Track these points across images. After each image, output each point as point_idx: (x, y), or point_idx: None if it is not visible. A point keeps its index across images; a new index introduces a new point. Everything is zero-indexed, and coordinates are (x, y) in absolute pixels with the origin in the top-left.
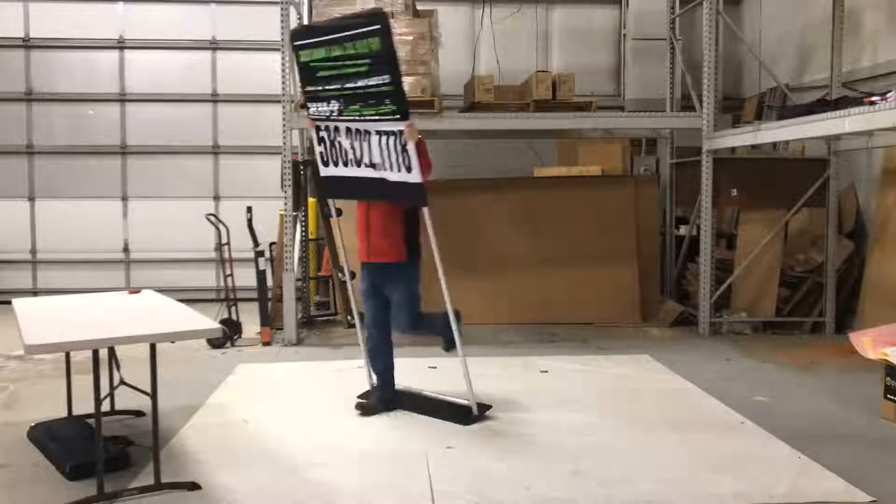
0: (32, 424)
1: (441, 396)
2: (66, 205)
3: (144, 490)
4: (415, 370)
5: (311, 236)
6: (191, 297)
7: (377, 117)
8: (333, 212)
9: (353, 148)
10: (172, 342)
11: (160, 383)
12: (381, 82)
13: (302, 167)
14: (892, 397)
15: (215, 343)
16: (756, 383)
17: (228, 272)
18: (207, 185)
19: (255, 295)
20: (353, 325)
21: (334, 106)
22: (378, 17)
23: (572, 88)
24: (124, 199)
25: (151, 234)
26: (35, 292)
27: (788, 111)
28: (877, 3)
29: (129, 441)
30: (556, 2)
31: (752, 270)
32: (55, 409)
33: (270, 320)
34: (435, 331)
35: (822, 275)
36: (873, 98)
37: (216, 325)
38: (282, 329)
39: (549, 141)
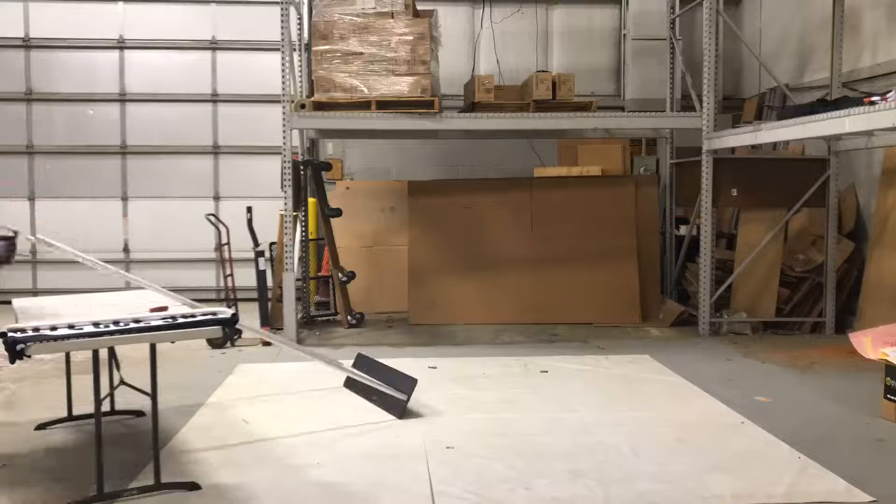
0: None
1: (382, 386)
2: (67, 205)
3: (144, 490)
4: (415, 370)
5: (311, 236)
6: (191, 298)
7: None
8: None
9: None
10: (172, 342)
11: (160, 383)
12: None
13: (302, 167)
14: (892, 397)
15: (215, 343)
16: (756, 383)
17: (228, 272)
18: (207, 185)
19: (255, 295)
20: (354, 325)
21: None
22: None
23: (572, 88)
24: (124, 199)
25: (151, 234)
26: (35, 292)
27: (788, 111)
28: (877, 3)
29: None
30: (556, 2)
31: (752, 270)
32: (55, 409)
33: (270, 320)
34: None
35: (822, 275)
36: (873, 98)
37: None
38: (282, 329)
39: (549, 141)
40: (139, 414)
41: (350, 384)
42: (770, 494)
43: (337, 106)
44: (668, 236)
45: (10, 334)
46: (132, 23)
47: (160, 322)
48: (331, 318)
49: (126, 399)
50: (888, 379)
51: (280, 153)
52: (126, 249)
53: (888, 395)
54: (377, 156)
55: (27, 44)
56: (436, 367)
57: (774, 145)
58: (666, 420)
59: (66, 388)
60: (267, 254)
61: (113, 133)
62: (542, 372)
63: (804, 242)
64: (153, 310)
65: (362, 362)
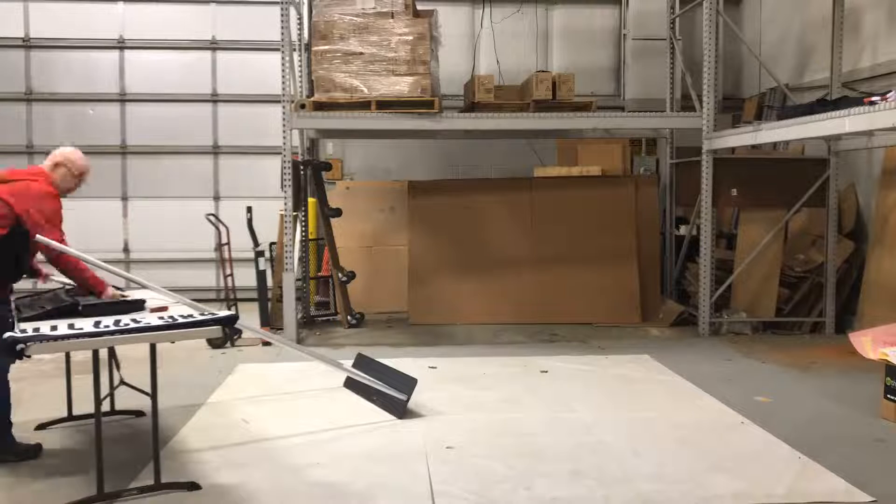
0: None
1: (382, 387)
2: (67, 205)
3: (144, 490)
4: (415, 370)
5: (311, 236)
6: (191, 298)
7: None
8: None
9: None
10: (172, 342)
11: (160, 383)
12: None
13: (302, 167)
14: (892, 397)
15: (215, 343)
16: (756, 383)
17: (228, 272)
18: (207, 185)
19: (255, 295)
20: (354, 325)
21: None
22: None
23: (572, 88)
24: (124, 199)
25: (151, 234)
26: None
27: (788, 111)
28: (877, 3)
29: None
30: (556, 2)
31: (752, 270)
32: (55, 410)
33: (270, 320)
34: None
35: (822, 275)
36: (873, 98)
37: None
38: (282, 329)
39: (549, 141)
40: (139, 414)
41: (350, 384)
42: (770, 494)
43: (337, 106)
44: (668, 236)
45: (10, 334)
46: (132, 23)
47: (160, 322)
48: (331, 318)
49: (126, 399)
50: (888, 379)
51: (280, 153)
52: (126, 249)
53: (888, 395)
54: (377, 156)
55: (27, 44)
56: (436, 367)
57: (774, 145)
58: (666, 420)
59: (66, 388)
60: (267, 254)
61: (113, 133)
62: (542, 372)
63: (804, 242)
64: (153, 310)
65: (362, 362)
